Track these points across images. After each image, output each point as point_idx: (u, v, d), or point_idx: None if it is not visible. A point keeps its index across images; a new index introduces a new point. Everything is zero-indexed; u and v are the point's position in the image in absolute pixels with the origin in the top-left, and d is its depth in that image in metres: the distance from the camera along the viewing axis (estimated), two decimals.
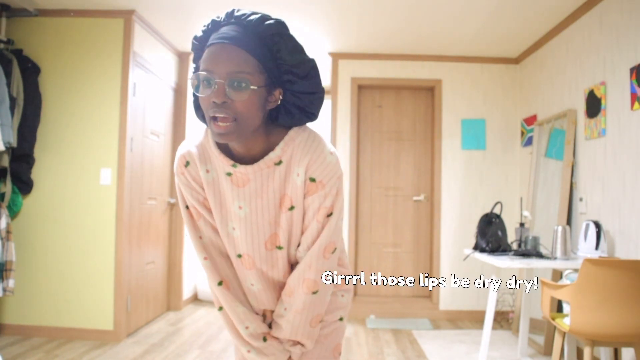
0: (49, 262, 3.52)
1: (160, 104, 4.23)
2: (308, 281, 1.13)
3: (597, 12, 3.20)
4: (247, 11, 1.03)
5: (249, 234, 1.15)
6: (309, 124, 1.14)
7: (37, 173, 3.54)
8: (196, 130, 1.19)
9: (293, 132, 1.09)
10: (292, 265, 1.21)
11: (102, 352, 3.24)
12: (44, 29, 3.59)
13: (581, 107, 3.37)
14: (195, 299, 5.01)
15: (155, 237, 4.20)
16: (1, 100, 3.11)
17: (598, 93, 3.14)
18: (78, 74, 3.58)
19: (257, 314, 1.23)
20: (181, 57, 4.59)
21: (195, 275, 5.01)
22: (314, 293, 1.14)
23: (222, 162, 1.10)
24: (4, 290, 3.16)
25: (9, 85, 3.25)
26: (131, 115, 3.63)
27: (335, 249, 1.15)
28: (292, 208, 1.12)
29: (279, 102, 1.06)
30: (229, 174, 1.11)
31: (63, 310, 3.51)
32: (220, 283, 1.18)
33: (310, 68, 1.04)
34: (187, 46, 4.44)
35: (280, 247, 1.16)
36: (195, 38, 1.07)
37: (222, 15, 1.04)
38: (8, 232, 3.23)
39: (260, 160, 1.08)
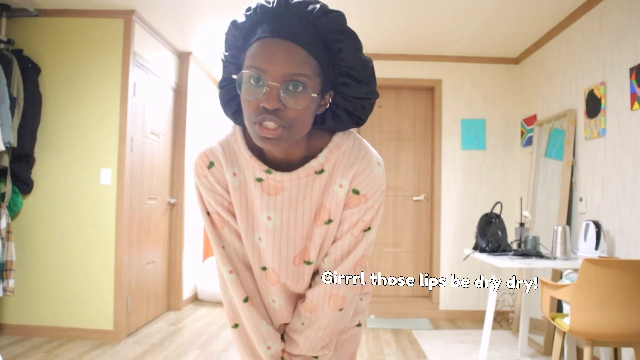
0: (49, 262, 3.52)
1: (160, 104, 4.23)
2: (337, 297, 1.02)
3: (596, 12, 3.20)
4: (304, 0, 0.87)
5: (276, 248, 1.02)
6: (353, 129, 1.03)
7: (37, 173, 3.54)
8: (197, 132, 1.08)
9: (338, 139, 0.97)
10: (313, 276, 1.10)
11: (102, 352, 3.24)
12: (44, 29, 3.59)
13: (581, 107, 3.37)
14: (195, 299, 5.01)
15: (155, 237, 4.20)
16: (1, 100, 3.11)
17: (598, 93, 3.14)
18: (78, 74, 3.59)
19: (278, 331, 1.12)
20: (181, 57, 4.59)
21: (196, 275, 5.01)
22: (341, 310, 1.04)
23: (253, 166, 0.97)
24: (4, 290, 3.16)
25: (9, 85, 3.25)
26: (131, 115, 3.63)
27: (366, 265, 1.06)
28: (329, 222, 1.00)
29: (328, 105, 0.94)
30: (260, 180, 0.98)
31: (63, 310, 3.51)
32: (246, 299, 1.05)
33: (369, 70, 0.92)
34: (187, 46, 4.44)
35: (309, 262, 1.04)
36: (235, 25, 0.90)
37: (273, 0, 0.87)
38: (8, 232, 3.23)
39: (300, 167, 0.95)
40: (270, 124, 0.83)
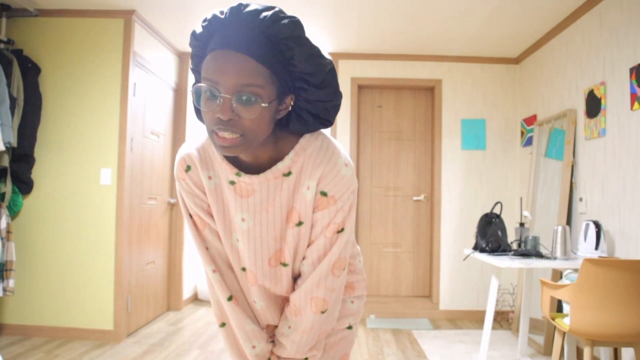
0: (49, 262, 3.52)
1: (160, 104, 4.23)
2: (317, 300, 1.04)
3: (596, 12, 3.20)
4: (255, 5, 0.88)
5: (251, 249, 1.05)
6: (322, 130, 1.03)
7: (37, 173, 3.54)
8: (196, 132, 1.08)
9: (304, 141, 0.98)
10: (295, 280, 1.12)
11: (102, 352, 3.24)
12: (44, 29, 3.59)
13: (581, 107, 3.37)
14: (195, 299, 5.01)
15: (155, 237, 4.20)
16: (1, 100, 3.11)
17: (598, 93, 3.14)
18: (78, 74, 3.59)
19: (264, 330, 1.15)
20: (181, 57, 4.59)
21: (196, 275, 5.01)
22: (323, 312, 1.06)
23: (225, 170, 1.00)
24: (4, 290, 3.16)
25: (9, 85, 3.25)
26: (131, 115, 3.63)
27: (346, 266, 1.07)
28: (300, 224, 1.02)
29: (290, 108, 0.94)
30: (232, 183, 1.01)
31: (63, 310, 3.51)
32: (230, 298, 1.08)
33: (325, 75, 0.91)
34: (187, 46, 4.44)
35: (285, 264, 1.07)
36: (195, 36, 0.91)
37: (226, 10, 0.88)
38: (8, 232, 3.23)
39: (268, 170, 0.98)
40: (226, 134, 0.86)
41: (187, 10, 3.61)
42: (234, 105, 0.84)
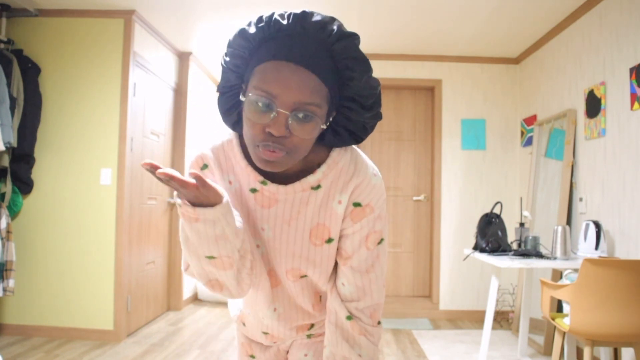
0: (49, 262, 3.52)
1: (160, 104, 4.23)
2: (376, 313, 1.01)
3: (597, 12, 3.20)
4: (319, 16, 0.82)
5: (271, 259, 1.01)
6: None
7: (37, 173, 3.54)
8: (214, 134, 1.02)
9: (336, 154, 0.94)
10: (320, 297, 1.08)
11: (102, 352, 3.24)
12: (44, 29, 3.59)
13: (581, 107, 3.37)
14: (195, 299, 5.01)
15: (155, 237, 4.21)
16: (1, 100, 3.11)
17: (598, 93, 3.14)
18: (78, 74, 3.59)
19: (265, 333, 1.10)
20: (181, 57, 4.59)
21: None
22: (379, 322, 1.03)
23: (249, 176, 0.94)
24: (4, 290, 3.16)
25: (9, 85, 3.25)
26: (131, 115, 3.63)
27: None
28: (330, 240, 0.97)
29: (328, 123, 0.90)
30: (254, 191, 0.95)
31: (63, 310, 3.51)
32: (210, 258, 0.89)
33: (375, 98, 0.88)
34: (187, 46, 4.44)
35: (304, 276, 1.02)
36: (245, 35, 0.84)
37: (288, 16, 0.82)
38: (8, 232, 3.23)
39: (297, 182, 0.92)
40: (272, 149, 0.81)
41: (187, 10, 3.61)
42: (290, 122, 0.79)
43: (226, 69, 0.89)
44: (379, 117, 0.92)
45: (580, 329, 2.25)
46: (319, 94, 0.81)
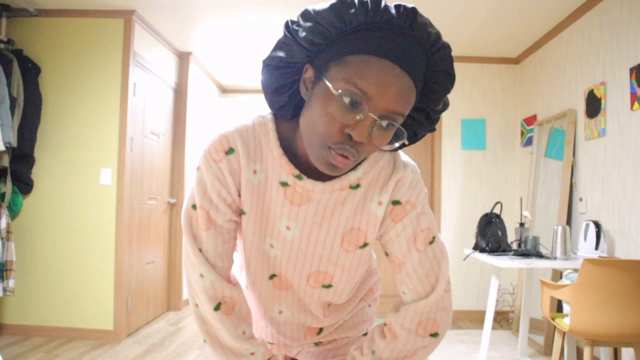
0: (49, 262, 3.52)
1: (160, 104, 4.23)
2: (427, 321, 0.90)
3: (597, 12, 3.20)
4: (425, 18, 0.72)
5: (292, 261, 0.91)
6: None
7: (37, 173, 3.54)
8: (245, 115, 0.88)
9: (377, 153, 0.86)
10: (330, 305, 1.00)
11: (102, 352, 3.24)
12: (44, 29, 3.59)
13: (581, 107, 3.37)
14: None
15: (155, 237, 4.20)
16: (1, 100, 3.11)
17: (598, 93, 3.14)
18: (78, 74, 3.59)
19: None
20: (181, 57, 4.59)
21: None
22: (433, 335, 0.90)
23: (281, 168, 0.83)
24: (4, 290, 3.16)
25: (9, 85, 3.25)
26: (131, 115, 3.63)
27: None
28: (364, 245, 0.89)
29: None
30: (285, 184, 0.84)
31: (63, 310, 3.51)
32: (217, 307, 0.89)
33: (441, 112, 0.82)
34: (187, 46, 4.44)
35: (328, 286, 0.94)
36: (339, 12, 0.70)
37: (395, 4, 0.71)
38: (8, 232, 3.23)
39: (336, 179, 0.83)
40: (346, 154, 0.72)
41: (187, 10, 3.61)
42: (374, 129, 0.71)
43: (293, 42, 0.75)
44: (433, 129, 0.85)
45: (580, 329, 2.25)
46: (410, 104, 0.73)
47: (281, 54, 0.77)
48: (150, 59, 3.96)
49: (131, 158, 3.66)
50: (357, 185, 0.85)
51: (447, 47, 0.74)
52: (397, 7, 0.70)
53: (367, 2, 0.69)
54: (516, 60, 4.53)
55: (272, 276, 0.94)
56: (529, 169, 4.11)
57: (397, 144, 0.77)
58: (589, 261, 2.21)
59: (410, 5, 0.71)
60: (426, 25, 0.71)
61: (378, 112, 0.70)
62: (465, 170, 4.50)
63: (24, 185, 3.47)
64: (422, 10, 3.51)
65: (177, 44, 4.36)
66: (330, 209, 0.86)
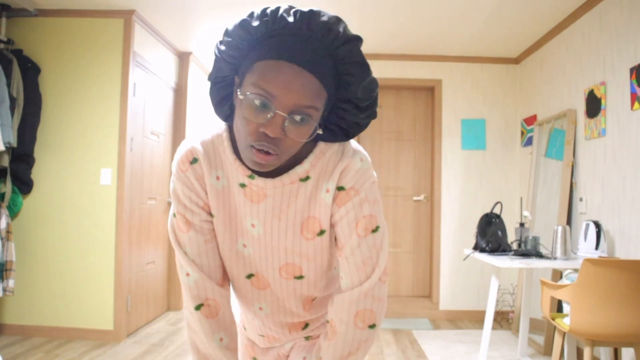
0: (49, 262, 3.52)
1: (160, 104, 4.23)
2: (365, 312, 0.94)
3: (597, 12, 3.20)
4: (326, 17, 0.79)
5: (262, 256, 0.98)
6: None
7: (37, 173, 3.54)
8: (200, 128, 0.99)
9: (323, 145, 0.92)
10: (312, 300, 1.05)
11: (102, 352, 3.24)
12: (44, 29, 3.59)
13: (581, 107, 3.37)
14: None
15: (155, 237, 4.21)
16: (1, 100, 3.11)
17: (598, 93, 3.14)
18: (78, 74, 3.58)
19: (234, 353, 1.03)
20: (181, 57, 4.59)
21: None
22: (371, 327, 0.95)
23: (237, 171, 0.92)
24: (4, 290, 3.16)
25: (9, 85, 3.25)
26: (131, 115, 3.63)
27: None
28: (322, 232, 0.94)
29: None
30: (243, 185, 0.93)
31: (63, 310, 3.51)
32: (198, 307, 0.98)
33: (372, 100, 0.86)
34: (187, 46, 4.44)
35: (300, 277, 0.99)
36: (245, 27, 0.80)
37: (294, 13, 0.78)
38: (8, 232, 3.23)
39: (284, 174, 0.90)
40: (266, 150, 0.80)
41: (187, 10, 3.61)
42: (286, 124, 0.78)
43: (220, 59, 0.85)
44: (373, 116, 0.90)
45: (580, 329, 2.25)
46: (319, 98, 0.79)
47: (214, 71, 0.88)
48: (150, 58, 3.96)
49: (131, 158, 3.66)
50: (307, 178, 0.91)
51: (351, 41, 0.80)
52: (295, 13, 0.78)
53: (267, 13, 0.79)
54: (516, 60, 4.53)
55: (250, 275, 1.01)
56: (529, 169, 4.12)
57: (320, 132, 0.84)
58: (589, 261, 2.21)
59: (307, 9, 0.79)
60: (326, 24, 0.78)
61: (286, 109, 0.77)
62: (465, 170, 4.50)
63: (24, 185, 3.47)
64: (423, 10, 3.51)
65: (177, 44, 4.36)
66: (285, 202, 0.92)
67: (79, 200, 3.54)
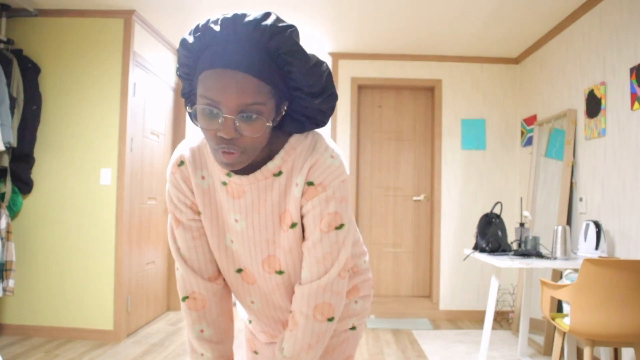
0: (49, 262, 3.52)
1: (160, 104, 4.23)
2: (323, 305, 0.98)
3: (597, 12, 3.20)
4: (251, 16, 0.83)
5: (246, 251, 1.03)
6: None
7: (37, 173, 3.54)
8: (194, 131, 1.05)
9: (294, 140, 0.96)
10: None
11: (102, 352, 3.24)
12: (44, 29, 3.59)
13: (581, 107, 3.37)
14: None
15: (155, 237, 4.21)
16: (1, 100, 3.11)
17: (598, 93, 3.14)
18: (78, 74, 3.58)
19: (218, 343, 1.09)
20: None
21: None
22: (330, 320, 0.99)
23: (219, 171, 0.99)
24: (4, 290, 3.16)
25: (9, 85, 3.25)
26: (131, 115, 3.63)
27: (349, 266, 1.03)
28: (293, 225, 0.98)
29: (284, 112, 0.93)
30: (224, 184, 0.99)
31: (63, 310, 3.51)
32: (184, 298, 1.07)
33: (322, 83, 0.90)
34: None
35: (280, 272, 1.03)
36: (186, 46, 0.87)
37: (220, 22, 0.84)
38: (8, 232, 3.23)
39: (257, 170, 0.96)
40: (227, 150, 0.85)
41: (187, 10, 3.61)
42: (237, 124, 0.83)
43: (180, 77, 0.93)
44: (333, 98, 0.93)
45: (580, 329, 2.25)
46: (260, 93, 0.83)
47: (182, 89, 0.96)
48: (150, 58, 3.96)
49: (131, 158, 3.66)
50: (280, 173, 0.96)
51: (281, 32, 0.83)
52: (221, 21, 0.83)
53: (199, 28, 0.85)
54: (516, 60, 4.53)
55: (239, 270, 1.07)
56: (529, 169, 4.12)
57: (270, 124, 0.87)
58: (589, 261, 2.21)
59: (231, 13, 0.84)
60: (251, 23, 0.82)
61: (232, 111, 0.82)
62: (465, 170, 4.50)
63: (24, 185, 3.47)
64: (423, 10, 3.51)
65: (177, 44, 4.36)
66: (262, 197, 0.98)
67: (79, 200, 3.54)
